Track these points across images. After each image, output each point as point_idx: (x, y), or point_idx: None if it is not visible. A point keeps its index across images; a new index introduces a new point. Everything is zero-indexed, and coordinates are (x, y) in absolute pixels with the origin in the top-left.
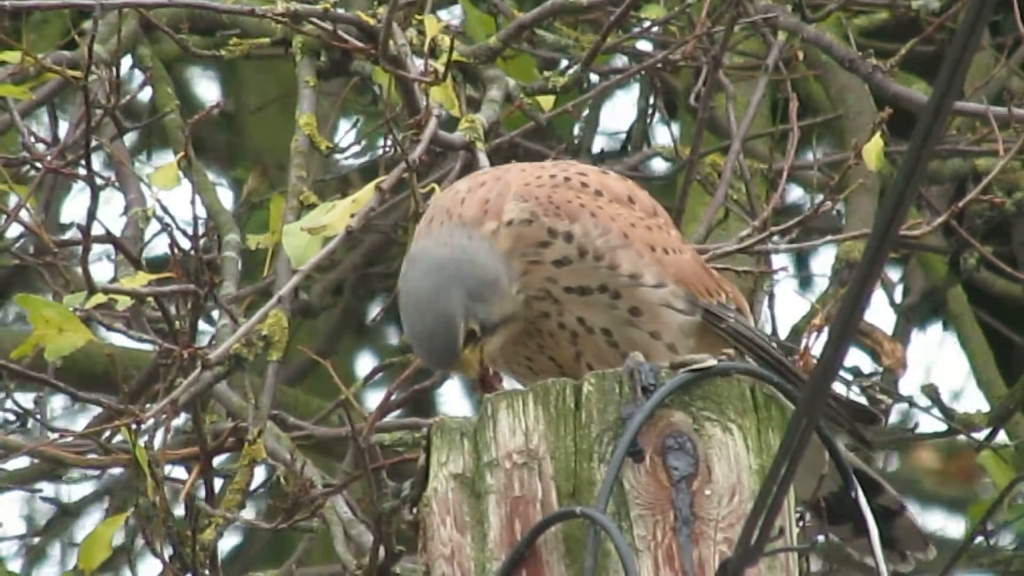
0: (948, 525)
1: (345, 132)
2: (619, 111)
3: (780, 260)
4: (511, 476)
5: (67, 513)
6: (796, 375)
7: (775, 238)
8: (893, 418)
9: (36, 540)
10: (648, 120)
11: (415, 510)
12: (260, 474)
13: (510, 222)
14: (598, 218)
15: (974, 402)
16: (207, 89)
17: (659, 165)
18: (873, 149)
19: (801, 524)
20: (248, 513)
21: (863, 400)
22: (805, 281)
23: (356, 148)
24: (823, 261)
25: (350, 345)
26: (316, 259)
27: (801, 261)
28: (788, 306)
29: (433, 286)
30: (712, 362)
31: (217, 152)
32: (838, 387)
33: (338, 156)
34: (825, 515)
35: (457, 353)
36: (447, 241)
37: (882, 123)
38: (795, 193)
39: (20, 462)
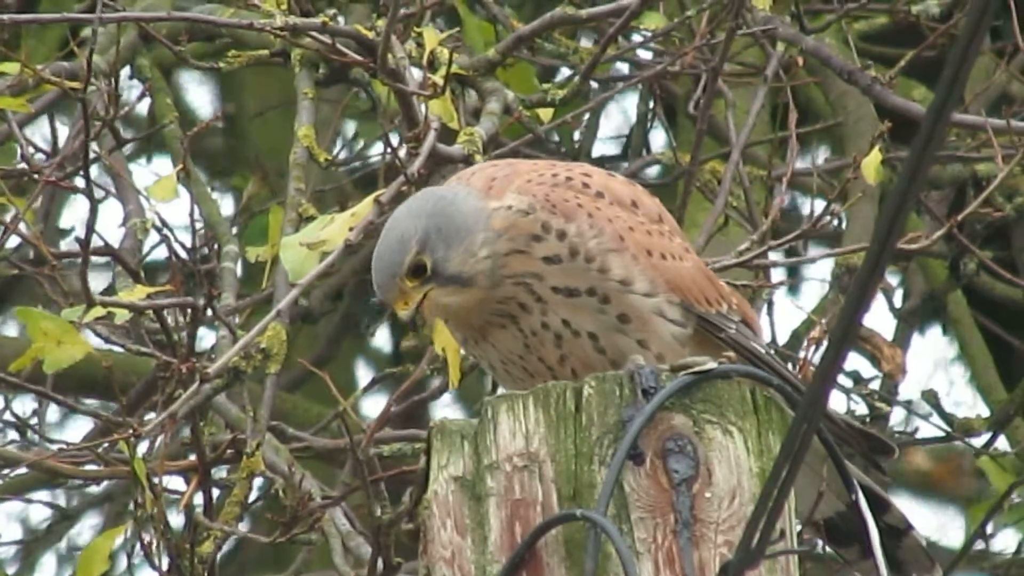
0: (947, 527)
1: (342, 146)
2: (619, 117)
3: (777, 270)
4: (511, 479)
5: (66, 517)
6: (797, 388)
7: (773, 251)
8: (892, 423)
9: (35, 544)
10: (648, 126)
11: (413, 520)
12: (259, 486)
13: (510, 207)
14: (595, 219)
15: (974, 407)
16: (203, 97)
17: (657, 172)
18: (872, 163)
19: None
20: (246, 524)
21: (864, 407)
22: (794, 288)
23: (355, 161)
24: (815, 267)
25: (350, 350)
26: (314, 274)
27: (791, 268)
28: (786, 312)
29: (408, 211)
30: (712, 365)
31: (216, 158)
32: (844, 402)
33: (337, 166)
34: (831, 536)
35: (398, 274)
36: (446, 187)
37: (881, 136)
38: (794, 198)
39: (18, 470)
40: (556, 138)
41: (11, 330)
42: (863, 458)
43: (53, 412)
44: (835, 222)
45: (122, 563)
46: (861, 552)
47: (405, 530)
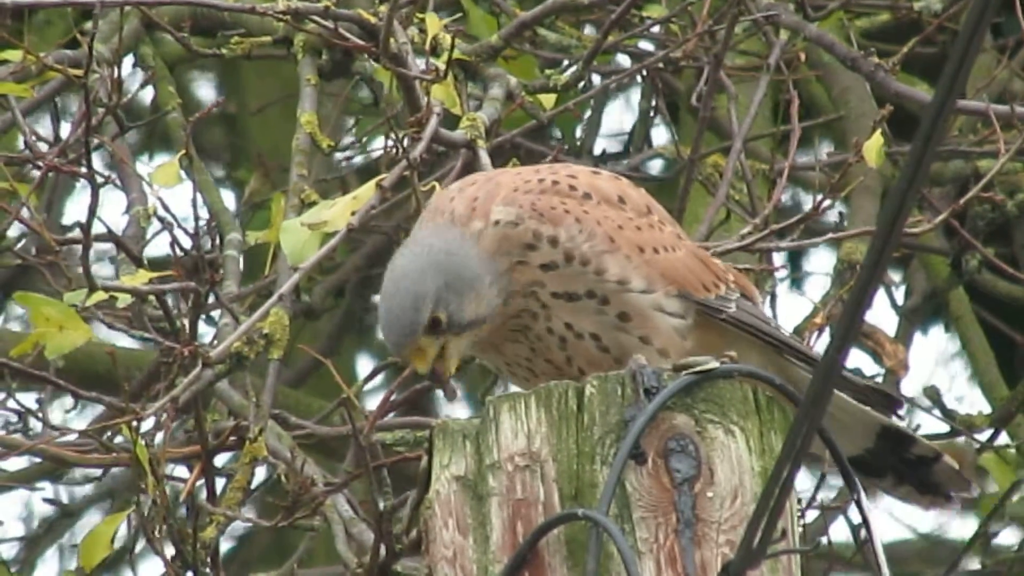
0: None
1: (345, 133)
2: (621, 113)
3: (778, 260)
4: (513, 478)
5: (68, 514)
6: (805, 354)
7: (776, 237)
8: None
9: (36, 541)
10: (650, 121)
11: (414, 525)
12: (261, 473)
13: (497, 222)
14: (583, 223)
15: (976, 404)
16: (207, 92)
17: (660, 166)
18: (873, 146)
19: (802, 526)
20: (249, 512)
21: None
22: (797, 281)
23: (356, 148)
24: (816, 262)
25: (352, 347)
26: (318, 256)
27: (794, 262)
28: (788, 308)
29: (415, 267)
30: (714, 364)
31: (218, 154)
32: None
33: (339, 156)
34: (864, 471)
35: (416, 334)
36: (439, 234)
37: (883, 120)
38: (795, 194)
39: (21, 462)
40: (558, 135)
41: (15, 326)
42: (880, 412)
43: (57, 412)
44: (837, 216)
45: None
46: (895, 480)
47: (409, 542)
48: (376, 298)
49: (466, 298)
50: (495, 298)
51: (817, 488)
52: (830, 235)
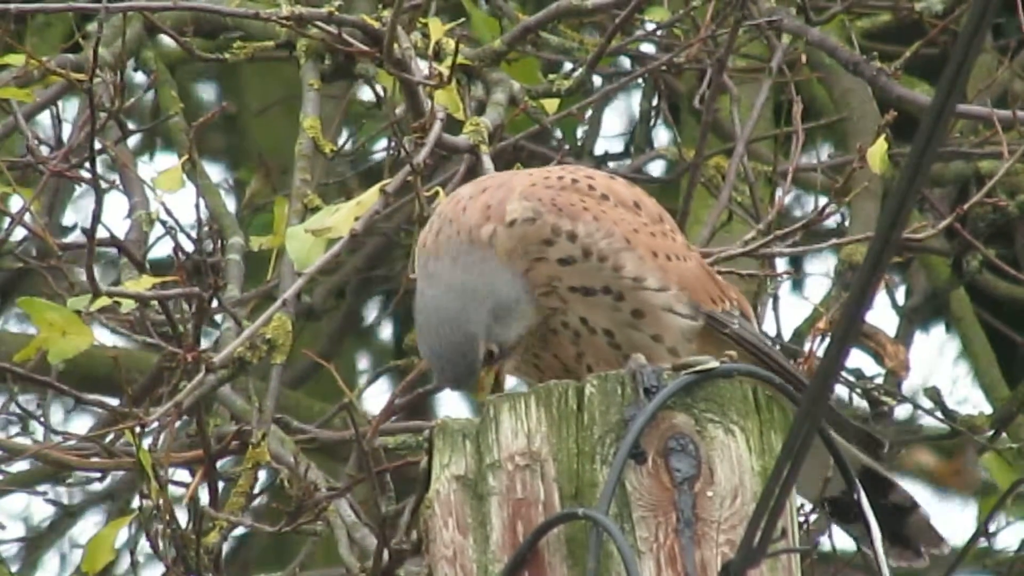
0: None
1: (347, 137)
2: (622, 114)
3: (781, 263)
4: (513, 478)
5: (69, 515)
6: (799, 380)
7: (779, 242)
8: (896, 419)
9: (37, 541)
10: (651, 123)
11: (415, 527)
12: (263, 477)
13: (512, 222)
14: (601, 222)
15: (977, 404)
16: (208, 93)
17: (661, 168)
18: (877, 152)
19: (805, 527)
20: (250, 515)
21: (865, 403)
22: (797, 283)
23: (359, 152)
24: (817, 264)
25: (352, 348)
26: (320, 262)
27: (795, 264)
28: (789, 309)
29: (455, 306)
30: (714, 364)
31: (218, 154)
32: (848, 398)
33: (342, 158)
34: (838, 514)
35: (476, 373)
36: (465, 261)
37: (886, 126)
38: (796, 196)
39: (21, 464)
40: (559, 134)
41: (16, 327)
42: (863, 449)
43: (57, 413)
44: (838, 219)
45: (126, 559)
46: (867, 528)
47: (410, 545)
48: (378, 306)
49: (511, 322)
50: (533, 311)
51: (821, 491)
52: (833, 240)
